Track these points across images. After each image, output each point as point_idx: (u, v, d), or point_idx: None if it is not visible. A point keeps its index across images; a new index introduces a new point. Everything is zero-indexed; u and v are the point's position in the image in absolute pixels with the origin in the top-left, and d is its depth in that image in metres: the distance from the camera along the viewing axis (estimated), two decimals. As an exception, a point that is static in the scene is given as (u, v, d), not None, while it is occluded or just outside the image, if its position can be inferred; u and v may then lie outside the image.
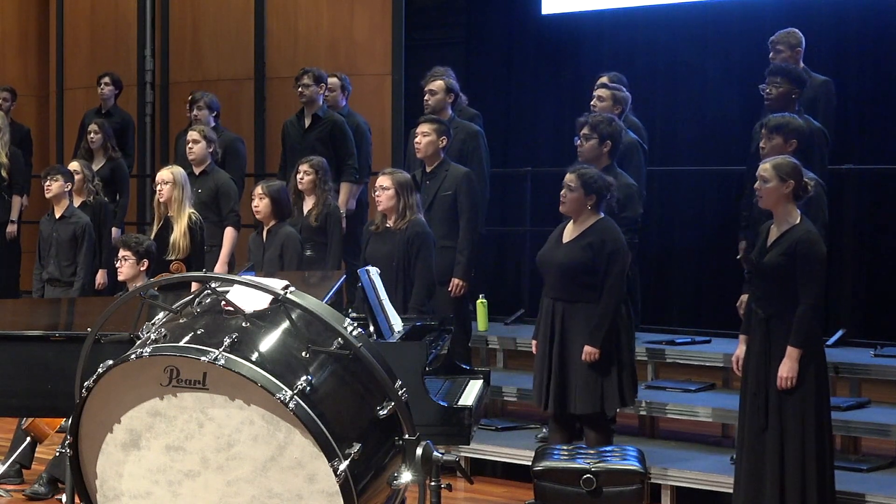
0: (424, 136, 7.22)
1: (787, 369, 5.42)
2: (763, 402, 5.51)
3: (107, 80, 10.14)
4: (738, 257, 6.84)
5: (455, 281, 7.16)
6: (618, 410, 6.80)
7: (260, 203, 7.31)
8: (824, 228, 5.94)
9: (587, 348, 6.00)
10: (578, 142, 6.66)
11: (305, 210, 7.59)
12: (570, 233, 6.15)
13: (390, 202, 6.71)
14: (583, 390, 6.03)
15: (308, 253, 7.42)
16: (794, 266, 5.43)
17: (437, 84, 7.75)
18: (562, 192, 6.14)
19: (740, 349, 5.74)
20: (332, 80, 8.72)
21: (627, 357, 6.15)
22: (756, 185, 5.56)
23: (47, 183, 7.96)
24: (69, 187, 8.05)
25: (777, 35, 7.32)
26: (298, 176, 7.59)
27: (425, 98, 7.78)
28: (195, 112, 8.77)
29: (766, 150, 6.02)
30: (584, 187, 6.06)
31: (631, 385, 6.16)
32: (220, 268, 7.75)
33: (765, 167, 5.53)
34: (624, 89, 7.43)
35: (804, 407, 5.45)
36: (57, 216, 8.00)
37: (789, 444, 5.45)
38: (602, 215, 6.13)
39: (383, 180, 6.75)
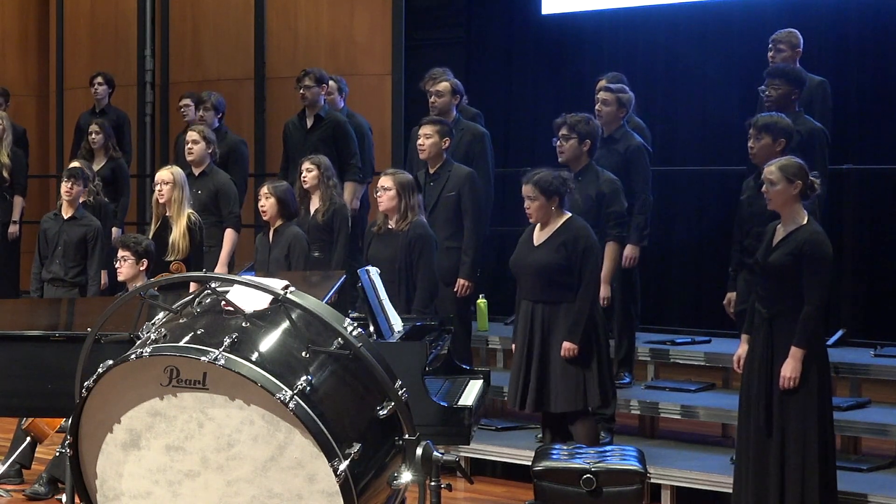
0: (427, 138, 7.22)
1: (790, 369, 5.42)
2: (766, 402, 5.51)
3: (99, 79, 10.16)
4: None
5: (461, 281, 7.16)
6: (617, 410, 6.81)
7: (266, 203, 7.30)
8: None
9: (566, 344, 6.02)
10: (557, 143, 6.67)
11: (312, 209, 7.57)
12: (540, 235, 6.17)
13: (392, 203, 6.70)
14: (564, 388, 6.05)
15: (316, 254, 7.39)
16: (799, 266, 5.42)
17: (443, 86, 7.74)
18: (525, 205, 6.16)
19: (742, 348, 5.74)
20: (329, 83, 8.71)
21: (606, 355, 6.17)
22: (763, 188, 5.55)
23: (69, 186, 7.85)
24: (84, 192, 8.03)
25: (779, 34, 7.32)
26: (302, 175, 7.58)
27: (431, 100, 7.76)
28: (201, 113, 8.76)
29: (755, 149, 6.03)
30: (543, 193, 6.08)
31: (612, 384, 6.21)
32: (219, 269, 7.74)
33: (770, 170, 5.51)
34: (627, 90, 7.42)
35: (807, 407, 5.45)
36: (66, 216, 7.96)
37: (792, 444, 5.45)
38: (569, 214, 6.14)
39: (385, 181, 6.75)
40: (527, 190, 6.11)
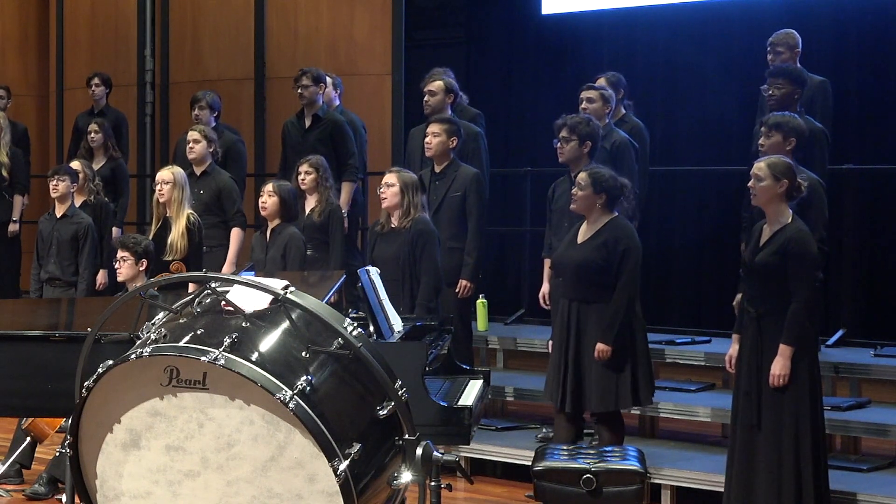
0: (435, 136, 7.21)
1: (779, 367, 5.44)
2: (756, 400, 5.52)
3: (96, 80, 10.15)
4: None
5: (462, 282, 7.16)
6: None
7: (269, 200, 7.29)
8: (825, 228, 5.95)
9: (599, 346, 6.01)
10: (558, 144, 6.68)
11: (308, 209, 7.57)
12: (584, 233, 6.18)
13: (395, 199, 6.69)
14: (598, 389, 6.05)
15: (310, 252, 7.40)
16: (785, 265, 5.45)
17: (437, 84, 7.72)
18: (573, 190, 6.20)
19: (733, 348, 5.77)
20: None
21: (643, 356, 6.17)
22: (750, 183, 5.59)
23: (54, 183, 7.92)
24: (74, 188, 8.05)
25: (776, 36, 7.32)
26: (299, 177, 7.58)
27: (425, 99, 7.75)
28: (196, 112, 8.76)
29: (766, 147, 6.03)
30: (593, 186, 6.10)
31: (647, 384, 6.17)
32: (228, 268, 7.74)
33: (759, 166, 5.56)
34: (608, 88, 7.42)
35: (798, 405, 5.46)
36: (58, 215, 7.98)
37: (784, 442, 5.45)
38: (615, 214, 6.15)
39: (389, 178, 6.74)
40: (581, 177, 6.17)
